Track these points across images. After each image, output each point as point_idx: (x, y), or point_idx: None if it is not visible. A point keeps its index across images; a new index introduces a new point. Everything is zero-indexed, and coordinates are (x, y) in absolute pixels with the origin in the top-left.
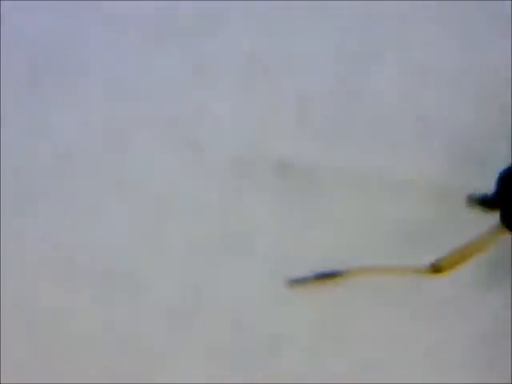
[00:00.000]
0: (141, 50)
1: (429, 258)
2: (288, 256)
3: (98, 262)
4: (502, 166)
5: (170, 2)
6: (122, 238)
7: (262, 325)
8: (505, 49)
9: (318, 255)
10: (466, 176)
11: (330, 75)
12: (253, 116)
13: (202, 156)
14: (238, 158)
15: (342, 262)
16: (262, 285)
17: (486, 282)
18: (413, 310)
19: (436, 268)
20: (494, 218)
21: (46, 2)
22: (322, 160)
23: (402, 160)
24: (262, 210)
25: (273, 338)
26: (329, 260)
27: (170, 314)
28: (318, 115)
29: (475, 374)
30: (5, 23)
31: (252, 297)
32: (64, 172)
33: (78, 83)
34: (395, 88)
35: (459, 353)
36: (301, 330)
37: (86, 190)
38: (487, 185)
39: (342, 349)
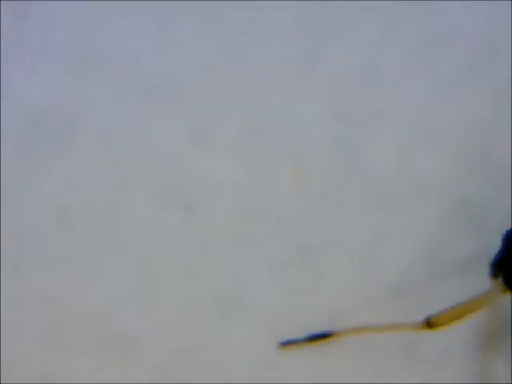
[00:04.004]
0: (140, 113)
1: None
2: (282, 318)
3: (92, 325)
4: (500, 229)
5: (169, 66)
6: (117, 300)
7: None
8: (503, 110)
9: (312, 316)
10: (461, 240)
11: (328, 136)
12: (249, 179)
13: (198, 219)
14: (234, 219)
15: (334, 323)
16: (255, 347)
17: (483, 340)
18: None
19: (430, 323)
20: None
21: (46, 65)
22: (317, 221)
23: (398, 222)
24: (257, 270)
25: None
26: (322, 321)
27: (162, 376)
28: (315, 177)
29: None
30: (4, 85)
31: (244, 359)
32: (60, 233)
33: (77, 146)
34: (393, 150)
35: None
36: None
37: (80, 252)
38: (482, 250)
39: None
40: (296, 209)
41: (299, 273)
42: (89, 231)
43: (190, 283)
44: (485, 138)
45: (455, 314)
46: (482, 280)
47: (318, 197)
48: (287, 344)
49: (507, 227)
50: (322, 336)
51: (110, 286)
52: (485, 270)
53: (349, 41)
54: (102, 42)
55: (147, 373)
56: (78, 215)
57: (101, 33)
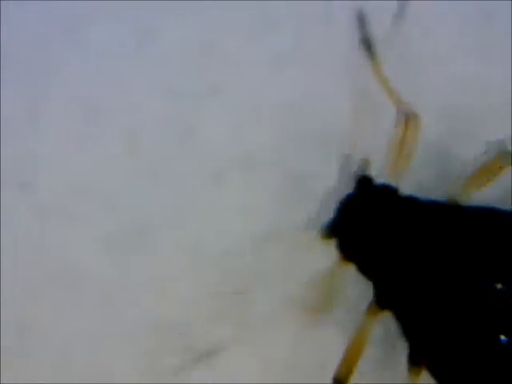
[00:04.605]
0: None
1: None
2: (115, 291)
3: None
4: (329, 201)
5: (4, 42)
6: None
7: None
8: (337, 90)
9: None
10: (292, 212)
11: (162, 111)
12: (83, 155)
13: (33, 195)
14: (68, 195)
15: None
16: (89, 322)
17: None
18: None
19: None
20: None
21: None
22: (151, 196)
23: (231, 196)
24: (91, 245)
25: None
26: None
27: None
28: (149, 152)
29: None
30: None
31: (80, 334)
32: None
33: None
34: (227, 125)
35: None
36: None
37: None
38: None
39: None
40: (130, 184)
41: (132, 247)
42: None
43: (24, 258)
44: (317, 114)
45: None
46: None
47: (152, 172)
48: None
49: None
50: None
51: None
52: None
53: (185, 16)
54: None
55: None
56: None
57: None
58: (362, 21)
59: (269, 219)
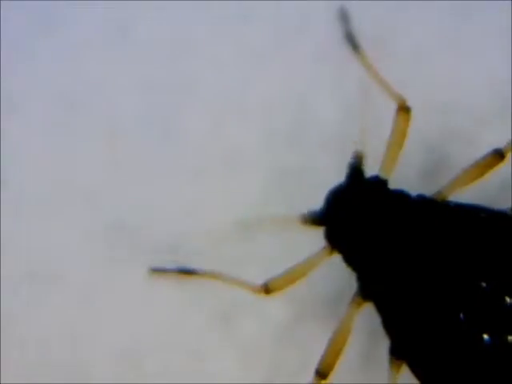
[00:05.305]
0: None
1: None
2: (94, 289)
3: None
4: (310, 198)
5: None
6: None
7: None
8: (315, 85)
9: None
10: (273, 208)
11: (141, 108)
12: (62, 152)
13: (11, 192)
14: (47, 192)
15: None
16: (67, 319)
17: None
18: None
19: (266, 289)
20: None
21: None
22: (130, 194)
23: (212, 193)
24: (69, 243)
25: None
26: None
27: None
28: (128, 149)
29: None
30: None
31: (57, 331)
32: None
33: None
34: (207, 121)
35: None
36: None
37: None
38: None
39: None
40: (109, 181)
41: (110, 245)
42: None
43: (1, 257)
44: (297, 111)
45: (290, 277)
46: (295, 243)
47: (131, 169)
48: (156, 270)
49: (317, 195)
50: (188, 271)
51: None
52: (295, 234)
53: (159, 13)
54: None
55: None
56: None
57: None
58: (344, 16)
59: (249, 213)
